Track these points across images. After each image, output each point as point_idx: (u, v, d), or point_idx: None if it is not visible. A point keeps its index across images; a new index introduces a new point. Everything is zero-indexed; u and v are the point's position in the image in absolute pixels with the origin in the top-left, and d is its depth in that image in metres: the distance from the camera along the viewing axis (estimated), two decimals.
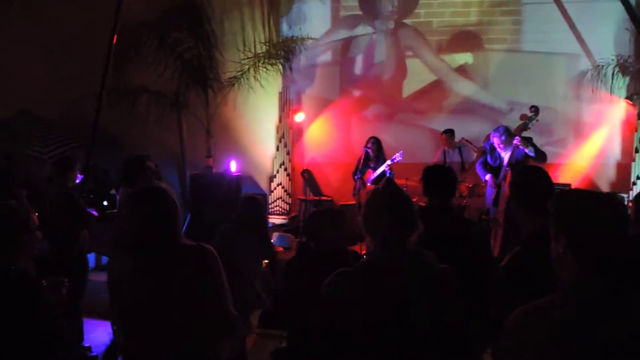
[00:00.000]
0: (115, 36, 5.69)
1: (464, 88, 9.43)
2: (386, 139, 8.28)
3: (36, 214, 2.61)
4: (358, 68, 9.95)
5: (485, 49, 9.34)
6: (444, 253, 2.04)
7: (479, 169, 6.72)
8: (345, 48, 9.93)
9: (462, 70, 9.45)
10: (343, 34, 9.90)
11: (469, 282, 2.12)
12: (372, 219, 2.02)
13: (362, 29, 9.82)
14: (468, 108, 9.31)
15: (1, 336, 2.28)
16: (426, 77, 9.59)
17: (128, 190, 5.72)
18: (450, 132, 7.93)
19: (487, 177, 6.54)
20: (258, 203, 4.36)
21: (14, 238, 2.43)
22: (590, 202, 1.54)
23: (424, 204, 3.17)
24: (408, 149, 8.12)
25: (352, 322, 1.91)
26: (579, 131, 9.05)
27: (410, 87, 9.69)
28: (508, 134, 6.26)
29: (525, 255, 2.20)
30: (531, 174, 2.58)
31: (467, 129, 8.56)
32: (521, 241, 2.31)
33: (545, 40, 9.00)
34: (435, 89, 9.55)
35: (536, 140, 6.40)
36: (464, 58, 9.46)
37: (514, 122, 6.79)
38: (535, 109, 6.24)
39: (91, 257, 7.16)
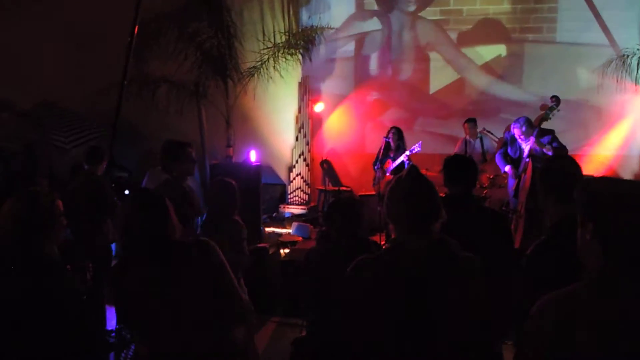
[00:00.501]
0: (137, 27, 5.73)
1: (489, 84, 9.27)
2: (407, 129, 8.22)
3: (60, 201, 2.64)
4: (373, 65, 9.88)
5: (516, 41, 9.17)
6: (466, 242, 2.03)
7: (498, 159, 6.66)
8: (359, 45, 9.87)
9: (489, 64, 9.31)
10: (359, 28, 9.83)
11: (491, 272, 2.10)
12: (395, 206, 2.01)
13: (377, 24, 9.76)
14: (495, 107, 9.13)
15: (28, 320, 2.33)
16: (448, 74, 9.46)
17: (156, 171, 5.75)
18: (472, 121, 7.85)
19: (507, 168, 6.47)
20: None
21: (39, 224, 2.47)
22: (618, 188, 1.52)
23: (444, 195, 3.15)
24: (427, 138, 8.06)
25: (374, 308, 1.91)
26: (603, 122, 8.89)
27: (431, 85, 9.59)
28: (529, 125, 6.18)
29: (551, 244, 2.17)
30: (561, 162, 2.55)
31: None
32: (547, 229, 2.28)
33: (571, 30, 8.85)
34: (458, 87, 9.43)
35: (558, 131, 6.32)
36: (494, 51, 9.29)
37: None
38: (556, 99, 6.15)
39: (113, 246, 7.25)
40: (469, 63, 9.36)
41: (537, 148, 5.98)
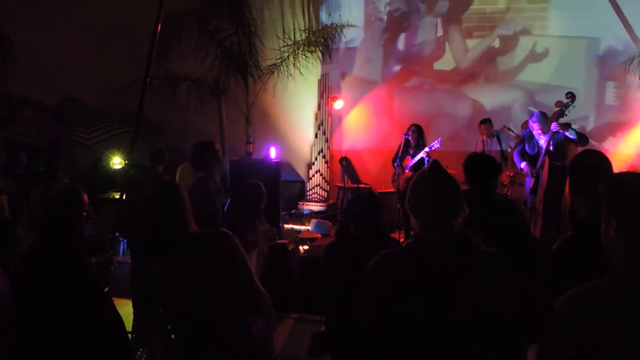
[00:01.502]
0: (160, 25, 5.76)
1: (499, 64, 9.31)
2: (426, 109, 8.21)
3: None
4: (400, 47, 9.86)
5: (524, 33, 9.14)
6: (487, 238, 2.01)
7: (515, 157, 6.61)
8: (387, 29, 9.85)
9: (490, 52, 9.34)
10: (377, 27, 9.85)
11: (513, 269, 2.08)
12: (417, 200, 1.99)
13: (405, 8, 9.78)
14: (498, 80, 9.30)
15: (52, 310, 2.36)
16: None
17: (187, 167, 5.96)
18: (487, 122, 7.80)
19: (523, 165, 6.42)
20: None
21: (66, 217, 2.50)
22: None
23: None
24: (447, 121, 8.04)
25: (395, 304, 1.90)
26: (625, 119, 8.78)
27: (449, 64, 9.66)
28: (545, 117, 6.14)
29: (578, 240, 2.14)
30: (590, 156, 2.51)
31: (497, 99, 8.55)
32: (575, 225, 2.25)
33: (589, 27, 8.76)
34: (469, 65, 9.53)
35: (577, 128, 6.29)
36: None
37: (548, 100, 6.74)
38: (571, 95, 6.09)
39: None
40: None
41: (561, 132, 5.92)
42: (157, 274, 2.31)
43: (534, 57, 9.09)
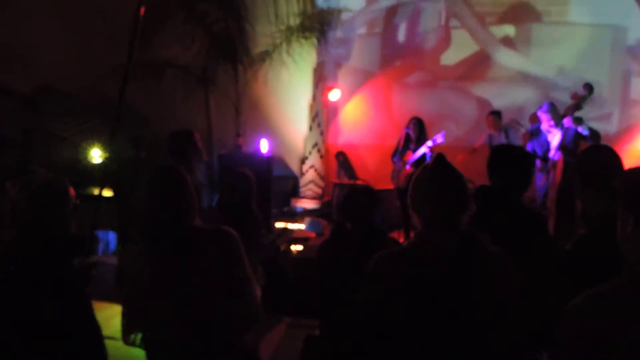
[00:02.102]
0: (143, 8, 5.74)
1: (505, 58, 9.35)
2: (429, 107, 8.21)
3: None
4: (401, 37, 9.86)
5: (541, 21, 9.14)
6: (497, 237, 2.00)
7: None
8: (388, 17, 9.84)
9: (505, 41, 9.32)
10: (386, 2, 9.82)
11: (525, 271, 2.08)
12: (420, 196, 1.99)
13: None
14: (508, 76, 9.30)
15: (27, 315, 2.34)
16: (471, 48, 9.51)
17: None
18: (497, 114, 7.78)
19: None
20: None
21: (51, 212, 2.45)
22: None
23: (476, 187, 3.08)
24: (451, 123, 8.08)
25: (395, 308, 1.90)
26: None
27: (453, 57, 9.65)
28: (555, 108, 6.14)
29: (592, 239, 2.14)
30: (599, 151, 2.51)
31: (506, 97, 8.60)
32: (588, 224, 2.25)
33: (615, 14, 8.76)
34: (478, 58, 9.54)
35: (591, 122, 6.29)
36: (506, 30, 9.36)
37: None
38: (588, 87, 6.11)
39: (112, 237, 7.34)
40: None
41: (573, 127, 5.93)
42: (146, 266, 2.23)
43: (551, 47, 9.06)
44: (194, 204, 2.30)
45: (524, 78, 9.20)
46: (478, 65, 9.46)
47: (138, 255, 2.29)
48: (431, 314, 1.87)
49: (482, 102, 9.34)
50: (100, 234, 6.91)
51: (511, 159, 2.98)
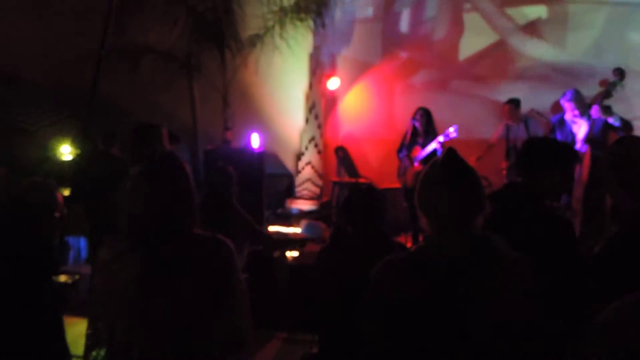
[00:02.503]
0: None
1: (533, 49, 9.19)
2: (438, 111, 8.14)
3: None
4: (404, 25, 9.83)
5: (575, 2, 9.08)
6: (518, 242, 1.98)
7: None
8: (382, 8, 9.81)
9: (533, 27, 9.22)
10: None
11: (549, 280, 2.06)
12: (429, 196, 1.96)
13: None
14: (539, 74, 9.07)
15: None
16: (487, 36, 9.39)
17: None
18: (515, 103, 7.76)
19: None
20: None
21: (38, 221, 2.40)
22: None
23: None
24: (464, 123, 8.02)
25: (402, 321, 1.88)
26: None
27: (467, 48, 9.52)
28: (580, 96, 6.12)
29: (624, 241, 2.13)
30: (632, 144, 2.48)
31: (538, 99, 8.42)
32: (620, 224, 2.23)
33: None
34: (497, 51, 9.35)
35: (619, 111, 6.25)
36: (536, 12, 9.21)
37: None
38: (619, 72, 6.09)
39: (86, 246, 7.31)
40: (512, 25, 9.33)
41: (602, 117, 5.91)
42: (129, 273, 2.13)
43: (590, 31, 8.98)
44: (195, 206, 2.23)
45: (556, 71, 9.02)
46: (497, 58, 9.35)
47: (116, 263, 2.19)
48: (442, 328, 1.85)
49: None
50: (70, 240, 6.89)
51: (547, 154, 2.90)
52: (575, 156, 3.05)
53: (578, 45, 9.00)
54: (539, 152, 2.92)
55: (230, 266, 2.23)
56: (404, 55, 9.78)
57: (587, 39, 8.93)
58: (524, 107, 7.84)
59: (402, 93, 9.70)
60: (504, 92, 8.70)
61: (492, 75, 9.33)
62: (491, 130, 8.41)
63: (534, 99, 8.41)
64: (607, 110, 5.97)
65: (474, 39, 9.46)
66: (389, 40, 9.84)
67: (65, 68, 8.01)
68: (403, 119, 8.21)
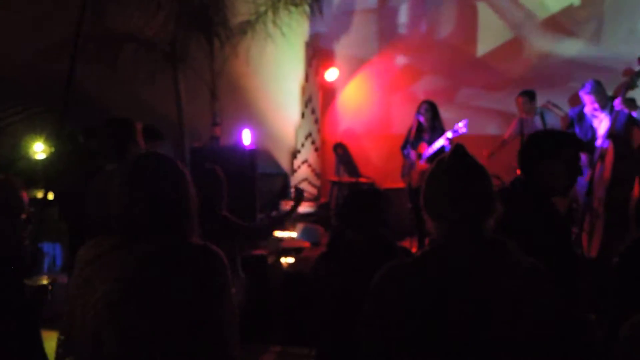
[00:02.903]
0: None
1: (558, 46, 9.14)
2: (446, 104, 8.14)
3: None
4: (408, 12, 9.82)
5: None
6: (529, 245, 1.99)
7: None
8: None
9: (553, 20, 9.22)
10: None
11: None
12: (436, 197, 1.98)
13: None
14: (565, 74, 8.95)
15: None
16: (501, 32, 9.38)
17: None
18: (529, 95, 7.77)
19: None
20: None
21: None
22: None
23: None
24: (474, 116, 8.05)
25: (408, 331, 1.89)
26: None
27: (479, 47, 9.53)
28: (600, 87, 6.12)
29: None
30: None
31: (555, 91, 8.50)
32: None
33: None
34: (514, 49, 9.33)
35: None
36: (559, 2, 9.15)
37: None
38: None
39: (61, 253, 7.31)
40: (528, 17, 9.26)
41: (625, 110, 5.91)
42: (110, 282, 2.09)
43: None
44: (195, 209, 2.22)
45: (590, 70, 8.47)
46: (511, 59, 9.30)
47: (96, 263, 2.16)
48: (452, 340, 1.85)
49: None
50: (45, 246, 6.88)
51: (544, 144, 2.94)
52: (578, 144, 3.03)
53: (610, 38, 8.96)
54: (536, 143, 2.97)
55: (220, 279, 2.20)
56: (405, 44, 9.78)
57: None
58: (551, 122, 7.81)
59: (406, 84, 9.71)
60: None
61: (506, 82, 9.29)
62: (503, 124, 8.44)
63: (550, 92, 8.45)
64: (631, 103, 5.98)
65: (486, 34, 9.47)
66: (391, 27, 9.85)
67: (37, 58, 8.00)
68: (407, 113, 8.21)
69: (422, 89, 9.37)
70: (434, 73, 9.65)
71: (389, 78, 9.80)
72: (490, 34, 9.42)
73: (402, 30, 9.84)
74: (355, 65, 9.90)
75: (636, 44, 8.12)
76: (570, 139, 3.04)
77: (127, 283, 2.10)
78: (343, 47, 9.98)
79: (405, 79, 9.76)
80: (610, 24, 8.98)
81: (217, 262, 2.19)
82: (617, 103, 5.91)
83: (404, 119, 8.60)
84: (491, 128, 8.76)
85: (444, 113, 7.74)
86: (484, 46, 9.49)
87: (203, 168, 4.31)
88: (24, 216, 2.49)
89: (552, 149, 2.87)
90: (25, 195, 2.51)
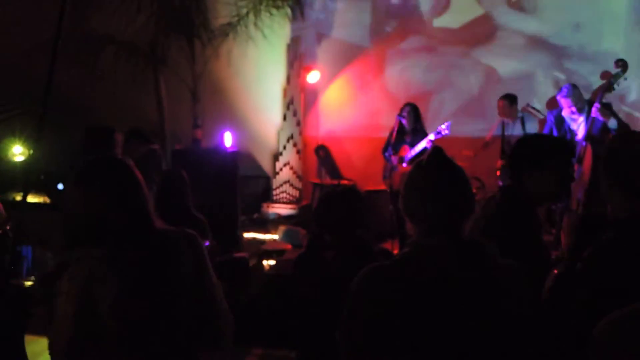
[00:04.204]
0: None
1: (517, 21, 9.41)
2: (427, 79, 8.19)
3: None
4: (390, 10, 9.86)
5: None
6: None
7: None
8: None
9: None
10: None
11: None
12: (414, 198, 1.98)
13: None
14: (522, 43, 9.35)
15: None
16: (472, 9, 9.57)
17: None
18: (510, 99, 7.82)
19: None
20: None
21: None
22: None
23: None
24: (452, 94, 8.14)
25: (387, 333, 1.89)
26: None
27: (453, 22, 9.69)
28: (577, 90, 6.18)
29: (617, 248, 2.14)
30: (631, 141, 2.49)
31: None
32: (612, 227, 2.25)
33: None
34: (482, 24, 9.56)
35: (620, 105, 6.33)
36: None
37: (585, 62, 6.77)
38: (622, 64, 6.15)
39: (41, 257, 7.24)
40: None
41: (601, 118, 5.96)
42: (91, 275, 2.19)
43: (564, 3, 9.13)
44: (149, 201, 2.32)
45: (534, 42, 9.29)
46: (482, 30, 9.49)
47: (89, 269, 2.23)
48: (430, 341, 1.86)
49: (488, 71, 9.40)
50: (24, 249, 6.82)
51: (535, 153, 2.83)
52: (570, 150, 2.98)
53: (553, 17, 9.25)
54: (526, 151, 2.88)
55: (203, 257, 2.35)
56: (391, 30, 9.81)
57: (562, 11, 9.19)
58: (504, 71, 8.04)
59: (388, 85, 9.74)
60: (486, 58, 9.12)
61: (476, 44, 9.56)
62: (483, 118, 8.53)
63: (512, 64, 9.04)
64: (606, 111, 6.01)
65: (459, 13, 9.64)
66: (373, 29, 9.87)
67: (16, 60, 7.94)
68: (389, 116, 8.23)
69: (403, 92, 9.39)
70: (417, 75, 9.69)
71: (370, 81, 9.82)
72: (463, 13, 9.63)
73: (382, 32, 9.86)
74: (337, 68, 9.91)
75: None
76: (561, 145, 2.94)
77: (125, 278, 2.19)
78: (324, 50, 9.99)
79: (387, 82, 9.79)
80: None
81: (195, 242, 2.34)
82: (594, 110, 5.95)
83: (386, 121, 8.63)
84: (473, 130, 8.79)
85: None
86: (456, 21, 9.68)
87: (166, 171, 4.37)
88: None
89: (543, 156, 2.79)
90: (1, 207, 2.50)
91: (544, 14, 9.24)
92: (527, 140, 3.12)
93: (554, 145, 2.92)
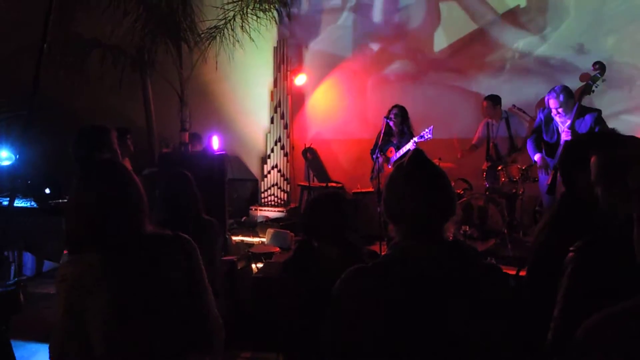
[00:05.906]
0: None
1: (514, 39, 9.31)
2: (414, 105, 8.19)
3: None
4: (377, 15, 9.87)
5: None
6: None
7: (529, 146, 6.71)
8: None
9: (512, 15, 9.33)
10: None
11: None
12: (396, 200, 1.99)
13: None
14: (520, 65, 9.21)
15: None
16: (465, 25, 9.47)
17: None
18: (493, 99, 7.89)
19: (537, 157, 6.53)
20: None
21: None
22: None
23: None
24: (441, 120, 8.12)
25: (370, 334, 1.90)
26: None
27: (444, 38, 9.60)
28: (568, 95, 6.22)
29: (604, 245, 2.15)
30: (620, 142, 2.49)
31: (520, 92, 8.61)
32: (601, 228, 2.25)
33: None
34: (476, 42, 9.43)
35: (612, 108, 6.37)
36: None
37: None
38: (599, 66, 6.21)
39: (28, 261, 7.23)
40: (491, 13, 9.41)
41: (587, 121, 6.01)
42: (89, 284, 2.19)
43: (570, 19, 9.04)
44: (144, 204, 2.35)
45: (538, 64, 9.12)
46: (475, 49, 9.41)
47: (83, 272, 2.23)
48: (412, 342, 1.87)
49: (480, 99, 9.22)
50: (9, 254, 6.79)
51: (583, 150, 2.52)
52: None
53: (558, 35, 9.11)
54: (573, 151, 2.68)
55: (196, 262, 2.39)
56: (376, 47, 9.83)
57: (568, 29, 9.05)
58: (505, 101, 7.98)
59: (375, 88, 9.76)
60: (483, 84, 8.87)
61: (470, 67, 9.42)
62: (471, 125, 8.51)
63: (517, 91, 8.62)
64: (589, 110, 6.07)
65: (451, 29, 9.55)
66: (360, 31, 9.89)
67: (2, 63, 7.90)
68: (376, 117, 8.24)
69: (390, 94, 9.40)
70: (401, 79, 9.71)
71: (357, 82, 9.83)
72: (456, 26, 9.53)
73: (371, 34, 9.86)
74: (324, 70, 9.92)
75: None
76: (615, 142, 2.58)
77: (121, 280, 2.20)
78: (311, 53, 10.00)
79: (373, 83, 9.80)
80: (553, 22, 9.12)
81: (189, 246, 2.39)
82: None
83: (373, 123, 8.65)
84: (460, 131, 8.81)
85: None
86: (448, 38, 9.59)
87: (173, 172, 4.29)
88: None
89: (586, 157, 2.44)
90: None
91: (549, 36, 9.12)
92: (578, 140, 3.07)
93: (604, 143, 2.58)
